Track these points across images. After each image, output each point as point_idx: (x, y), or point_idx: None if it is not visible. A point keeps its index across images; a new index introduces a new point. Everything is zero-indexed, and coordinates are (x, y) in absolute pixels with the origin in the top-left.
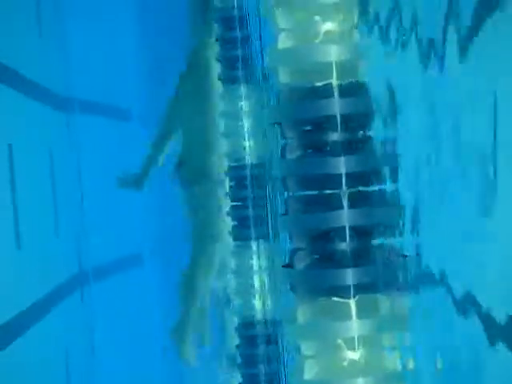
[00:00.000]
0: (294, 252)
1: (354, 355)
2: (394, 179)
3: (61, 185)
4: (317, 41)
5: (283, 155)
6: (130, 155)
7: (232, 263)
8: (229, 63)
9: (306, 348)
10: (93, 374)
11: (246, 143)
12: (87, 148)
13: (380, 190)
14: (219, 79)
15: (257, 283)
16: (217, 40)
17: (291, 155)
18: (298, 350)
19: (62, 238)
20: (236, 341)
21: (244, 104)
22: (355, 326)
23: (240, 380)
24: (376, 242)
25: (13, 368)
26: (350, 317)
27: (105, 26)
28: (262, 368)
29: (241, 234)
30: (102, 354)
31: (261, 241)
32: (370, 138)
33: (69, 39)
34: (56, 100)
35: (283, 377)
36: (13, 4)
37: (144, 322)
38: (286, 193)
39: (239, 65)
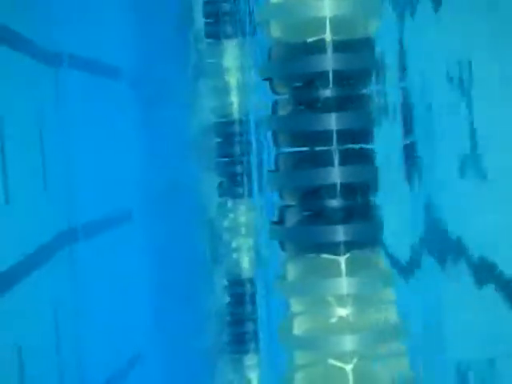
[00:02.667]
0: (283, 209)
1: (343, 312)
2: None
3: (49, 140)
4: None
5: (274, 111)
6: (117, 114)
7: (220, 221)
8: (214, 18)
9: (296, 304)
10: (81, 330)
11: (233, 99)
12: (76, 104)
13: (371, 148)
14: (205, 35)
15: (245, 241)
16: None
17: (282, 111)
18: (288, 306)
19: (50, 194)
20: (225, 299)
21: (230, 60)
22: (345, 284)
23: (228, 338)
24: (366, 199)
25: (1, 323)
26: (339, 274)
27: None
28: (250, 326)
29: (228, 191)
30: (90, 310)
31: (247, 198)
32: (364, 95)
33: None
34: (45, 54)
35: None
36: None
37: (132, 279)
38: (276, 149)
39: (225, 20)
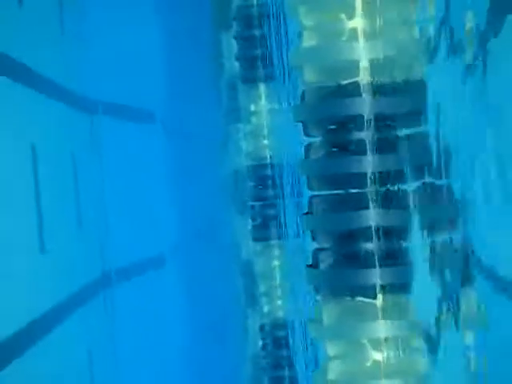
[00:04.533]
0: (317, 252)
1: (378, 356)
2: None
3: (83, 187)
4: (343, 38)
5: (307, 154)
6: (151, 158)
7: (256, 264)
8: (248, 62)
9: (331, 348)
10: (116, 377)
11: (266, 142)
12: (109, 150)
13: (406, 190)
14: (238, 79)
15: (280, 284)
16: (235, 38)
17: (315, 154)
18: (323, 350)
19: (84, 240)
20: (259, 343)
21: (264, 103)
22: (380, 327)
23: (266, 382)
24: (402, 242)
25: (36, 370)
26: (375, 317)
27: (130, 28)
28: (286, 370)
29: (262, 234)
30: (124, 356)
31: (283, 241)
32: (399, 137)
33: (93, 39)
34: (79, 101)
35: (306, 379)
36: (35, 4)
37: (165, 324)
38: (310, 192)
39: (259, 64)
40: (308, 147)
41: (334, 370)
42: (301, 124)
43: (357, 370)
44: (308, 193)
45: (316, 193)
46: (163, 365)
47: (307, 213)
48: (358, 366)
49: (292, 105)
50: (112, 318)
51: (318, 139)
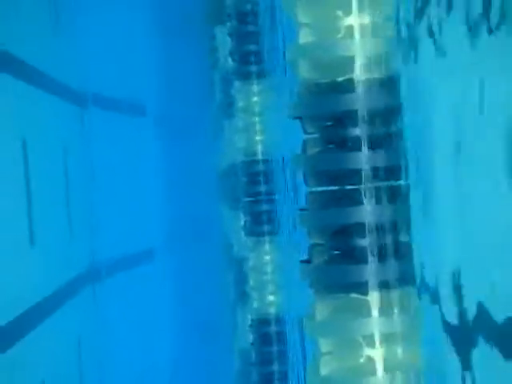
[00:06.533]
0: (312, 247)
1: (372, 352)
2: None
3: (74, 180)
4: (339, 36)
5: (304, 150)
6: (142, 151)
7: (248, 259)
8: (242, 58)
9: (324, 344)
10: (105, 368)
11: (259, 138)
12: (100, 142)
13: (401, 185)
14: (232, 74)
15: (271, 279)
16: (230, 35)
17: (312, 150)
18: (316, 346)
19: (75, 233)
20: (249, 338)
21: (257, 99)
22: (374, 323)
23: (255, 378)
24: (397, 238)
25: (26, 361)
26: (368, 314)
27: (122, 21)
28: (276, 366)
29: (254, 229)
30: (113, 349)
31: (275, 237)
32: (393, 133)
33: (84, 33)
34: (71, 94)
35: (297, 375)
36: None
37: (155, 316)
38: (305, 188)
39: (253, 59)
40: (304, 143)
41: (326, 365)
42: (294, 120)
43: (350, 366)
44: (303, 189)
45: (312, 189)
46: (151, 358)
47: (303, 209)
48: (351, 362)
49: (287, 101)
50: (101, 311)
51: (314, 135)
